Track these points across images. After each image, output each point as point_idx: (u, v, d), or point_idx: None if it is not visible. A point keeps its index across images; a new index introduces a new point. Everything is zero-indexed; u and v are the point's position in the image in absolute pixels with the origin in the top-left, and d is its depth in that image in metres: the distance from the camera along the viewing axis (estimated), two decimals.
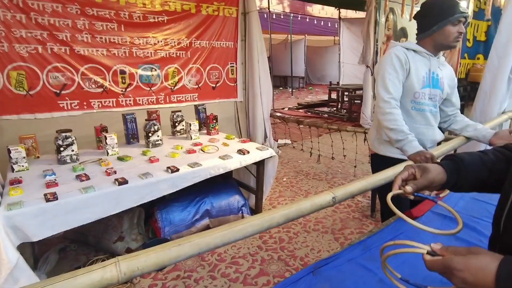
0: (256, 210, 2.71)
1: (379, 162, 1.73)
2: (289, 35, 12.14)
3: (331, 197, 0.96)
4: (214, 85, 4.06)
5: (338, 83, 11.08)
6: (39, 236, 1.63)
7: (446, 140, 1.77)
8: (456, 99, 1.72)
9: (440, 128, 1.73)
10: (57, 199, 1.68)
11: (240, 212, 2.63)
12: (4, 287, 1.52)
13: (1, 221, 1.52)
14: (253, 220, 0.79)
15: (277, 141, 5.35)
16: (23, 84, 2.77)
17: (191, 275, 2.10)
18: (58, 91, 2.96)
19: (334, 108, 8.66)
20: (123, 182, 1.87)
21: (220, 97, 4.15)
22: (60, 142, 2.25)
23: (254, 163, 2.55)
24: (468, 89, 5.70)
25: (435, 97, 1.62)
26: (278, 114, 7.82)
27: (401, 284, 0.60)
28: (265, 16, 9.29)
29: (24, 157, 2.16)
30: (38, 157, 2.43)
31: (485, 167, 0.74)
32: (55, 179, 1.92)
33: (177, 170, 2.07)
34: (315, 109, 8.76)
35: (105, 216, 1.83)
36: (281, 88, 15.23)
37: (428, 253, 0.56)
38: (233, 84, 4.26)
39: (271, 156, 2.59)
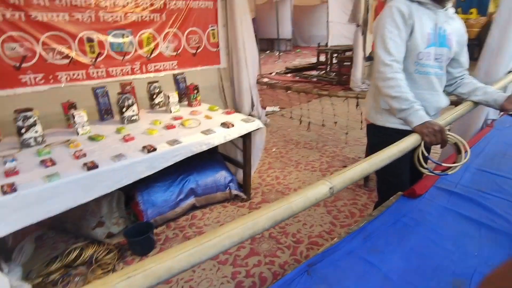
0: (244, 185, 2.57)
1: (377, 134, 1.56)
2: None
3: (328, 187, 0.79)
4: (194, 51, 3.73)
5: (326, 44, 10.66)
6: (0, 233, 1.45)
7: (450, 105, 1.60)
8: (464, 59, 1.52)
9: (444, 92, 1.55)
10: (15, 190, 1.47)
11: (228, 188, 2.49)
12: None
13: None
14: (231, 229, 0.62)
15: (265, 109, 5.13)
16: None
17: None
18: (17, 64, 2.63)
19: (323, 71, 8.36)
20: (92, 166, 1.67)
21: (201, 64, 3.84)
22: (20, 124, 2.00)
23: (240, 137, 2.36)
24: None
25: (441, 57, 1.42)
26: (266, 79, 7.51)
27: None
28: None
29: None
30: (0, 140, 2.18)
31: None
32: (15, 167, 1.70)
33: (154, 149, 1.87)
34: (304, 72, 8.44)
35: (76, 205, 1.64)
36: (268, 51, 14.62)
37: None
38: (215, 49, 3.93)
39: (258, 128, 2.40)
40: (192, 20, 3.61)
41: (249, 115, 4.11)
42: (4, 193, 1.45)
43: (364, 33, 5.94)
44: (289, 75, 8.50)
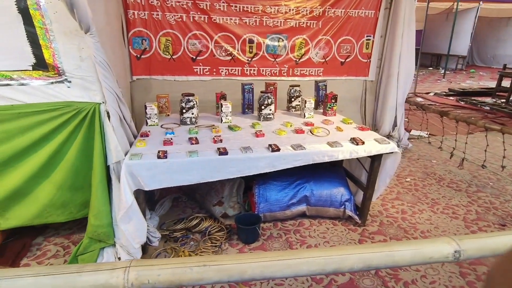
0: (361, 209, 2.36)
1: None
2: (455, 3, 9.81)
3: (452, 249, 0.61)
4: (343, 60, 3.66)
5: None
6: (150, 186, 1.83)
7: None
8: None
9: None
10: (166, 157, 1.83)
11: (343, 207, 2.34)
12: (119, 223, 1.80)
13: (124, 168, 1.77)
14: (314, 254, 0.57)
15: (409, 132, 4.54)
16: (169, 49, 3.15)
17: None
18: (194, 57, 3.25)
19: (503, 100, 6.68)
20: (223, 152, 1.88)
21: (348, 74, 3.74)
22: (183, 105, 2.45)
23: (369, 157, 2.17)
24: None
25: None
26: (419, 99, 6.64)
27: None
28: None
29: (156, 114, 2.46)
30: (168, 115, 2.76)
31: None
32: (171, 138, 2.11)
33: (278, 150, 1.95)
34: (473, 98, 6.97)
35: (205, 181, 1.90)
36: (431, 68, 12.86)
37: None
38: (366, 60, 3.74)
39: (392, 152, 2.14)
40: (347, 28, 3.54)
41: (388, 135, 3.74)
42: (158, 157, 1.82)
43: None
44: (451, 98, 7.23)
